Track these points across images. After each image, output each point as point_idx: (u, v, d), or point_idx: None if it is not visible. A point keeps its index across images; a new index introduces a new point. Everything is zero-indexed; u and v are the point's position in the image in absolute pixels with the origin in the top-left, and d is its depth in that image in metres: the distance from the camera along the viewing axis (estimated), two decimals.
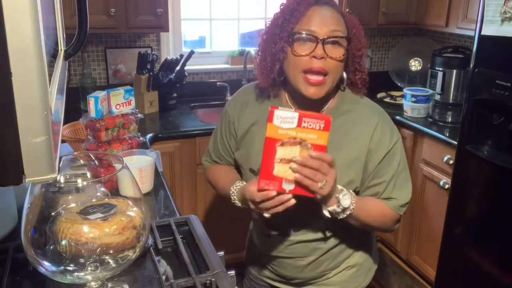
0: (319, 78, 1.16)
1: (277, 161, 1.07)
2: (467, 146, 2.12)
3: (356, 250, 1.41)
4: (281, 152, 1.07)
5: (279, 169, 1.08)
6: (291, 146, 1.07)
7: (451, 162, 2.33)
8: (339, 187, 1.17)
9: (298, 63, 1.17)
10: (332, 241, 1.36)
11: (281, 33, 1.20)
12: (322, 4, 1.19)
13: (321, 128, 1.06)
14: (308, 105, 1.24)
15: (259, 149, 1.14)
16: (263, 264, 1.48)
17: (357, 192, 1.28)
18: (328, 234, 1.34)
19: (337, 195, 1.16)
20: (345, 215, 1.18)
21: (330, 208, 1.16)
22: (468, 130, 2.12)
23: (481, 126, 2.07)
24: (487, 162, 2.02)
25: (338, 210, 1.16)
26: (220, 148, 1.44)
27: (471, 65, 2.06)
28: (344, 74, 1.24)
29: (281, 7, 1.24)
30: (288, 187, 1.09)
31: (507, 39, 1.86)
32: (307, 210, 1.22)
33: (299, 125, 1.05)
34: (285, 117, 1.05)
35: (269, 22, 1.26)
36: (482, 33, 1.97)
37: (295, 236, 1.34)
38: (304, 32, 1.16)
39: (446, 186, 2.38)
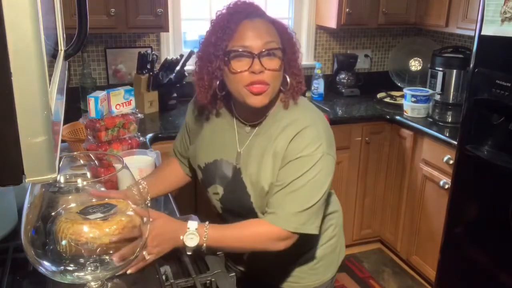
0: (261, 86, 1.18)
1: None
2: (467, 146, 2.12)
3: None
4: None
5: None
6: None
7: (451, 162, 2.33)
8: (189, 227, 1.16)
9: (239, 79, 1.18)
10: None
11: (215, 52, 1.19)
12: (253, 17, 1.20)
13: None
14: (253, 113, 1.28)
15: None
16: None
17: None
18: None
19: (182, 236, 1.15)
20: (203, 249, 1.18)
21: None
22: (468, 130, 2.12)
23: (481, 126, 2.07)
24: (487, 162, 2.02)
25: (189, 247, 1.15)
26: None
27: (471, 65, 2.06)
28: (288, 78, 1.24)
29: (212, 24, 1.24)
30: None
31: (507, 39, 1.86)
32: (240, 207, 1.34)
33: None
34: None
35: (202, 40, 1.26)
36: (482, 33, 1.97)
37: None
38: (239, 49, 1.17)
39: (446, 186, 2.38)
